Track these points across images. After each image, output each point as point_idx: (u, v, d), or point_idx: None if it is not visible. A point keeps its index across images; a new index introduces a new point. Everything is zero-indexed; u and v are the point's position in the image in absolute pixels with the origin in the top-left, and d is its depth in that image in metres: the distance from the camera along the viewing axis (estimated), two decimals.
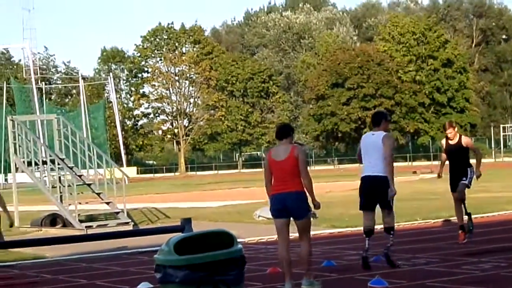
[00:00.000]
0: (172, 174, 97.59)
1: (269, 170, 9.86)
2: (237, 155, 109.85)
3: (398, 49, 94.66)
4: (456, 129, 14.01)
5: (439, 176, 14.40)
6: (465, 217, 13.84)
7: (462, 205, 13.79)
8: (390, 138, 11.41)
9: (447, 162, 14.02)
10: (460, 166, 13.70)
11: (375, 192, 11.34)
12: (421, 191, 29.29)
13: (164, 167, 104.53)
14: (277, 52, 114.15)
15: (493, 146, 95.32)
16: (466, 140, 13.90)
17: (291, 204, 9.67)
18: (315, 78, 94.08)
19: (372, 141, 11.40)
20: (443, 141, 14.02)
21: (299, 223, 9.85)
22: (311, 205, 9.85)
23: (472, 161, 13.82)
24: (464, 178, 13.66)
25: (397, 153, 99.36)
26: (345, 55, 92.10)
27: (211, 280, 5.01)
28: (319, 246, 14.25)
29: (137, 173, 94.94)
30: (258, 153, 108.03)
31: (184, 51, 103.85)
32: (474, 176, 13.72)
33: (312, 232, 16.34)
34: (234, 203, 27.72)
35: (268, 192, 9.98)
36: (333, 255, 12.88)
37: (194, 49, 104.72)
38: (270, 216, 19.76)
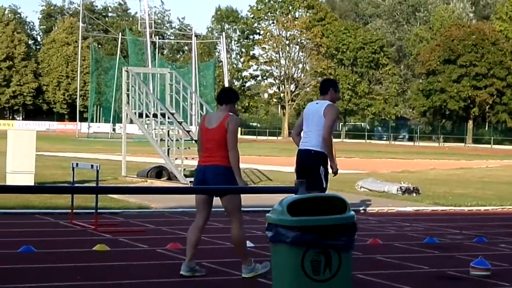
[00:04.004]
0: (275, 138, 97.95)
1: (201, 138, 8.74)
2: (341, 124, 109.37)
3: None
4: None
5: None
6: None
7: None
8: (333, 109, 9.91)
9: None
10: None
11: (305, 168, 10.02)
12: None
13: (267, 130, 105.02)
14: (391, 23, 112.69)
15: None
16: None
17: (210, 179, 8.49)
18: (427, 53, 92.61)
19: (315, 110, 9.99)
20: None
21: (223, 201, 8.65)
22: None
23: None
24: None
25: (504, 136, 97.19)
26: (460, 32, 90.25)
27: (321, 244, 5.04)
28: (422, 222, 14.16)
29: (241, 134, 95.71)
30: (363, 124, 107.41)
31: (297, 16, 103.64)
32: None
33: (414, 208, 16.31)
34: None
35: None
36: (435, 232, 12.75)
37: (307, 14, 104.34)
38: (372, 187, 19.79)
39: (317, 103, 10.09)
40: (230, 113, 8.61)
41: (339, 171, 10.31)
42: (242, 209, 8.80)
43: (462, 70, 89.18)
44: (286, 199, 5.14)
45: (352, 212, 5.25)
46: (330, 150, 9.89)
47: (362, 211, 15.66)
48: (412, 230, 13.00)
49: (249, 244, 10.40)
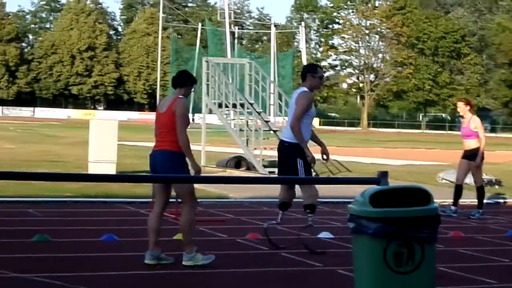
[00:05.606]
0: (353, 128, 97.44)
1: (156, 122, 8.76)
2: (421, 115, 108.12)
3: None
4: None
5: None
6: None
7: None
8: (304, 97, 9.49)
9: None
10: None
11: (280, 161, 9.80)
12: None
13: (346, 121, 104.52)
14: (473, 12, 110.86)
15: None
16: None
17: (158, 165, 8.48)
18: (510, 42, 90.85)
19: (293, 99, 9.72)
20: None
21: (173, 187, 8.63)
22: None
23: None
24: None
25: None
26: None
27: (404, 236, 4.98)
28: (504, 215, 13.91)
29: (319, 125, 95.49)
30: (443, 115, 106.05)
31: (376, 5, 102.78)
32: None
33: (496, 200, 15.99)
34: (416, 163, 27.40)
35: None
36: None
37: (387, 3, 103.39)
38: (454, 179, 19.45)
39: (296, 92, 9.78)
40: (180, 97, 8.58)
41: (325, 159, 10.05)
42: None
43: None
44: (368, 190, 5.09)
45: (436, 204, 5.18)
46: (300, 139, 9.50)
47: (444, 203, 15.42)
48: (494, 223, 12.78)
49: (328, 235, 10.35)
